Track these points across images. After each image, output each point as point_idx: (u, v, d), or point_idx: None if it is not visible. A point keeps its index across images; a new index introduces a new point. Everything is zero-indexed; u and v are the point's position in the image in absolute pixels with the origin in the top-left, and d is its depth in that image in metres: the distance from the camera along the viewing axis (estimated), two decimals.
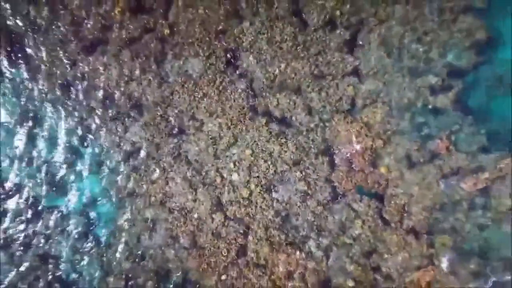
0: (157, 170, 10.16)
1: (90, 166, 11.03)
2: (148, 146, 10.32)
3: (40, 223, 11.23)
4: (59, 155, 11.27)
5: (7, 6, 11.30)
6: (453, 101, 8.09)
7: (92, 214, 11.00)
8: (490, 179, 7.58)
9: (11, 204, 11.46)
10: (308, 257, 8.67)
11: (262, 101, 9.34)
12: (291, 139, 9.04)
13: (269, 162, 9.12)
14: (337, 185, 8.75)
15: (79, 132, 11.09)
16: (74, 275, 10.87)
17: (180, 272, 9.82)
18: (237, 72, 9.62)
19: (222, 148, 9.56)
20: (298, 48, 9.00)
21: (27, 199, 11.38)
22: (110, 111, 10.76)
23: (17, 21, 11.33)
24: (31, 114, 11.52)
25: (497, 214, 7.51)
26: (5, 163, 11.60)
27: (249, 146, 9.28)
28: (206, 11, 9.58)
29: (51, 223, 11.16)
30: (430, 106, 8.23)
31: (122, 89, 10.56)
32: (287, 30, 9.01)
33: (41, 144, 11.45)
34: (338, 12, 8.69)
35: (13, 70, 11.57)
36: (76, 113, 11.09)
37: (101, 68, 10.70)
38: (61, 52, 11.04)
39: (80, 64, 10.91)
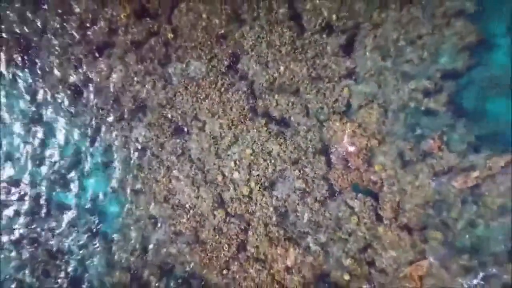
0: (161, 169, 10.48)
1: (97, 165, 11.39)
2: (153, 146, 10.63)
3: (48, 220, 11.65)
4: (67, 155, 11.65)
5: (15, 11, 11.61)
6: (445, 103, 8.26)
7: (99, 211, 11.36)
8: (480, 177, 7.79)
9: (19, 202, 11.87)
10: (306, 252, 8.98)
11: (262, 103, 9.59)
12: (289, 139, 9.30)
13: (269, 161, 9.39)
14: (334, 183, 9.01)
15: (87, 132, 11.43)
16: (80, 270, 11.25)
17: (183, 267, 10.15)
18: (238, 74, 9.87)
19: (224, 147, 9.83)
20: (296, 51, 9.23)
21: (35, 197, 11.78)
22: (116, 112, 11.06)
23: (25, 27, 11.65)
24: (39, 117, 11.90)
25: (487, 211, 7.75)
26: (14, 163, 12.00)
27: (249, 145, 9.55)
28: (208, 16, 9.82)
29: (59, 220, 11.57)
30: (423, 108, 8.41)
31: (128, 91, 10.86)
32: (286, 34, 9.23)
33: (49, 144, 11.83)
34: (334, 17, 8.89)
35: (21, 74, 11.93)
36: (84, 115, 11.42)
37: (107, 70, 11.00)
38: (69, 55, 11.34)
39: (88, 67, 11.22)
